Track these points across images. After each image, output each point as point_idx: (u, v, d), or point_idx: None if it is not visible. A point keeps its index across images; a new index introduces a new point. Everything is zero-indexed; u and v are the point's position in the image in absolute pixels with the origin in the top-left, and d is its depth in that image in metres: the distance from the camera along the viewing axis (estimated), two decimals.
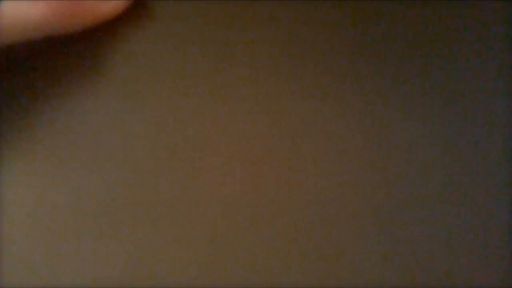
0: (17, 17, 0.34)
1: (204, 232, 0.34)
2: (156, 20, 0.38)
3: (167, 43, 0.38)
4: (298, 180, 0.35)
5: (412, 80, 0.37)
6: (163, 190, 0.35)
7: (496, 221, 0.35)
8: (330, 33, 0.38)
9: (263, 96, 0.37)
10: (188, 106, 0.37)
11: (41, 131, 0.36)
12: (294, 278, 0.34)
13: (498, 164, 0.36)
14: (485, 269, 0.34)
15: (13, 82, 0.37)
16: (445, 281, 0.34)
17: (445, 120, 0.37)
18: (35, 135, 0.36)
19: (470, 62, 0.38)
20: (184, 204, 0.35)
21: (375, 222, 0.35)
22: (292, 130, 0.36)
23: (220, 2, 0.39)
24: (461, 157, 0.36)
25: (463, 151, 0.36)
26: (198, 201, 0.35)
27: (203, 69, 0.37)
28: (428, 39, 0.38)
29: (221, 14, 0.39)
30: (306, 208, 0.35)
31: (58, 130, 0.36)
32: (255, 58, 0.38)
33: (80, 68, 0.37)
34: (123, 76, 0.37)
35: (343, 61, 0.38)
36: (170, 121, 0.36)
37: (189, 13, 0.38)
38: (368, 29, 0.38)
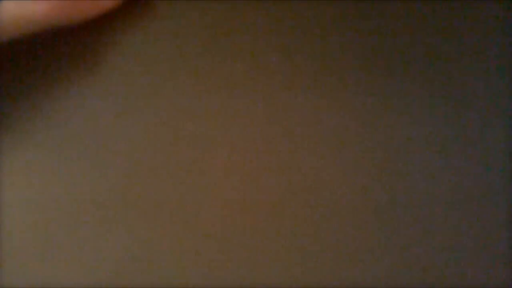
0: (20, 13, 0.34)
1: (204, 230, 0.34)
2: (156, 16, 0.38)
3: (167, 39, 0.38)
4: (298, 179, 0.35)
5: (412, 79, 0.38)
6: (162, 187, 0.35)
7: (496, 221, 0.35)
8: (330, 33, 0.38)
9: (263, 94, 0.37)
10: (187, 103, 0.37)
11: (40, 128, 0.36)
12: (294, 278, 0.33)
13: (498, 164, 0.36)
14: (485, 269, 0.34)
15: (12, 79, 0.36)
16: (445, 281, 0.34)
17: (445, 119, 0.37)
18: (34, 132, 0.36)
19: (470, 62, 0.38)
20: (183, 202, 0.35)
21: (375, 222, 0.35)
22: (293, 129, 0.36)
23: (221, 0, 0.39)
24: (461, 157, 0.36)
25: (463, 151, 0.36)
26: (197, 199, 0.35)
27: (203, 65, 0.37)
28: (428, 39, 0.38)
29: (222, 12, 0.39)
30: (306, 207, 0.35)
31: (57, 127, 0.36)
32: (255, 57, 0.38)
33: (81, 66, 0.37)
34: (123, 73, 0.37)
35: (343, 61, 0.38)
36: (170, 118, 0.36)
37: (190, 9, 0.38)
38: (368, 28, 0.38)
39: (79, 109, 0.36)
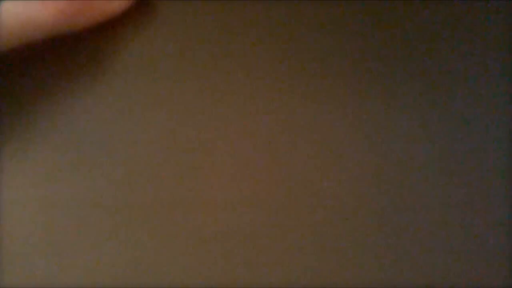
0: (26, 19, 0.33)
1: (207, 232, 0.34)
2: (159, 20, 0.38)
3: (170, 43, 0.38)
4: (298, 181, 0.35)
5: (412, 80, 0.37)
6: (164, 191, 0.35)
7: (496, 221, 0.35)
8: (330, 33, 0.38)
9: (263, 96, 0.37)
10: (190, 106, 0.37)
11: (43, 130, 0.36)
12: (294, 278, 0.34)
13: (498, 165, 0.36)
14: (485, 269, 0.34)
15: (15, 82, 0.36)
16: (445, 281, 0.34)
17: (445, 120, 0.37)
18: (36, 135, 0.36)
19: (470, 62, 0.38)
20: (186, 204, 0.35)
21: (375, 222, 0.35)
22: (293, 131, 0.36)
23: (223, 2, 0.39)
24: (461, 158, 0.36)
25: (463, 152, 0.36)
26: (199, 202, 0.35)
27: (205, 69, 0.37)
28: (428, 39, 0.38)
29: (223, 14, 0.39)
30: (306, 209, 0.35)
31: (60, 129, 0.36)
32: (256, 58, 0.38)
33: (82, 68, 0.37)
34: (126, 76, 0.37)
35: (343, 62, 0.38)
36: (172, 121, 0.36)
37: (192, 12, 0.38)
38: (368, 29, 0.38)
39: (83, 112, 0.36)
